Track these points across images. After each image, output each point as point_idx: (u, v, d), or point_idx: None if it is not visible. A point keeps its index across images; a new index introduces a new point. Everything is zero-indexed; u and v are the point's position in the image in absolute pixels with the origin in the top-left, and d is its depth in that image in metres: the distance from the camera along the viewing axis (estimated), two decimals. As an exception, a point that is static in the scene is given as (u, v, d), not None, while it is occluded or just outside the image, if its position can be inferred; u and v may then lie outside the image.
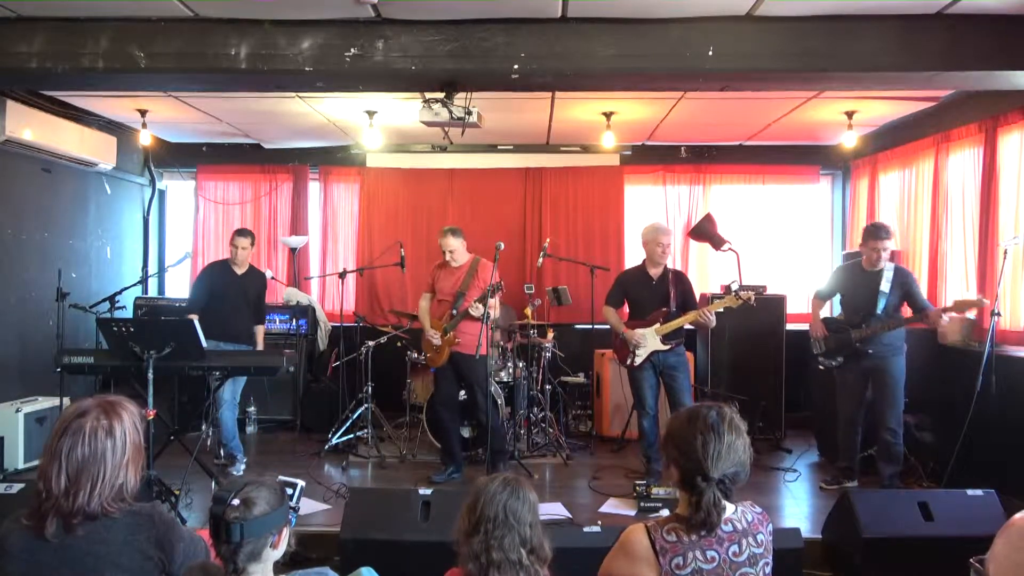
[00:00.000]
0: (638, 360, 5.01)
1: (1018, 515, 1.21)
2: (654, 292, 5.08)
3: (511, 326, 6.26)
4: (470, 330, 5.04)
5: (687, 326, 5.05)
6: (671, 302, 5.02)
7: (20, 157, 5.71)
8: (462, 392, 5.37)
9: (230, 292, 5.39)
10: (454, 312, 5.09)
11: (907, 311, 4.91)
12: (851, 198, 7.27)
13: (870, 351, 4.83)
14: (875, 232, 4.83)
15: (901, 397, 4.82)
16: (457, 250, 5.12)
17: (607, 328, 5.56)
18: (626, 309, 5.33)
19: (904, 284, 4.82)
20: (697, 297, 5.39)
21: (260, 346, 5.61)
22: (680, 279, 5.18)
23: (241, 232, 5.51)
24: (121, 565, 1.91)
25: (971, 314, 4.65)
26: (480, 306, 4.91)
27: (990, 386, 4.53)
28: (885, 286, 4.79)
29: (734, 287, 4.96)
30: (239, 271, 5.47)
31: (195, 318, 4.81)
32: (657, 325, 4.98)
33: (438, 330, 5.13)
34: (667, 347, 4.99)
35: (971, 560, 1.22)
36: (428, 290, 5.33)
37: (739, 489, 2.06)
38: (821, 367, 5.15)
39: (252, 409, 6.63)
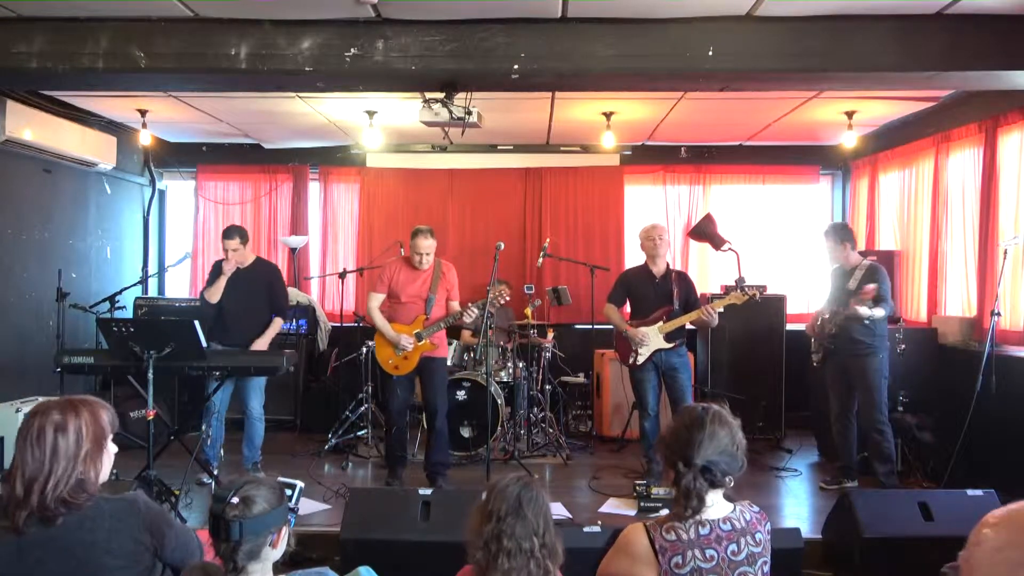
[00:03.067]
0: (641, 359, 5.01)
1: (991, 516, 1.17)
2: (657, 290, 5.07)
3: (510, 326, 6.27)
4: (442, 333, 5.00)
5: (688, 325, 5.05)
6: (674, 300, 5.02)
7: (20, 157, 5.71)
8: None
9: (235, 292, 5.11)
10: (426, 316, 4.90)
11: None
12: (851, 198, 7.28)
13: (833, 347, 4.90)
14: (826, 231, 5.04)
15: (881, 396, 4.80)
16: (432, 252, 4.89)
17: (607, 328, 5.56)
18: (627, 309, 5.33)
19: (871, 280, 4.77)
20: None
21: (263, 340, 5.09)
22: (683, 279, 5.18)
23: (225, 233, 5.10)
24: (112, 551, 1.94)
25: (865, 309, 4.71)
26: (475, 311, 4.85)
27: (990, 386, 4.53)
28: (853, 284, 4.83)
29: (740, 283, 4.98)
30: (242, 267, 5.17)
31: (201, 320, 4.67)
32: (660, 323, 4.98)
33: (408, 334, 4.86)
34: (670, 345, 4.99)
35: (944, 568, 1.18)
36: (383, 291, 4.96)
37: (739, 489, 2.08)
38: (815, 364, 5.21)
39: (252, 409, 6.63)
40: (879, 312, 4.68)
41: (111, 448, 2.10)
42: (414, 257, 4.88)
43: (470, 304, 4.88)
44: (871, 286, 4.62)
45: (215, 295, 5.08)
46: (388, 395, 5.12)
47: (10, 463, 1.97)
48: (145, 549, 1.99)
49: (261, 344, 5.10)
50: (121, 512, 1.99)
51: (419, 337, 4.87)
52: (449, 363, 5.94)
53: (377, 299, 5.00)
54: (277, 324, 5.19)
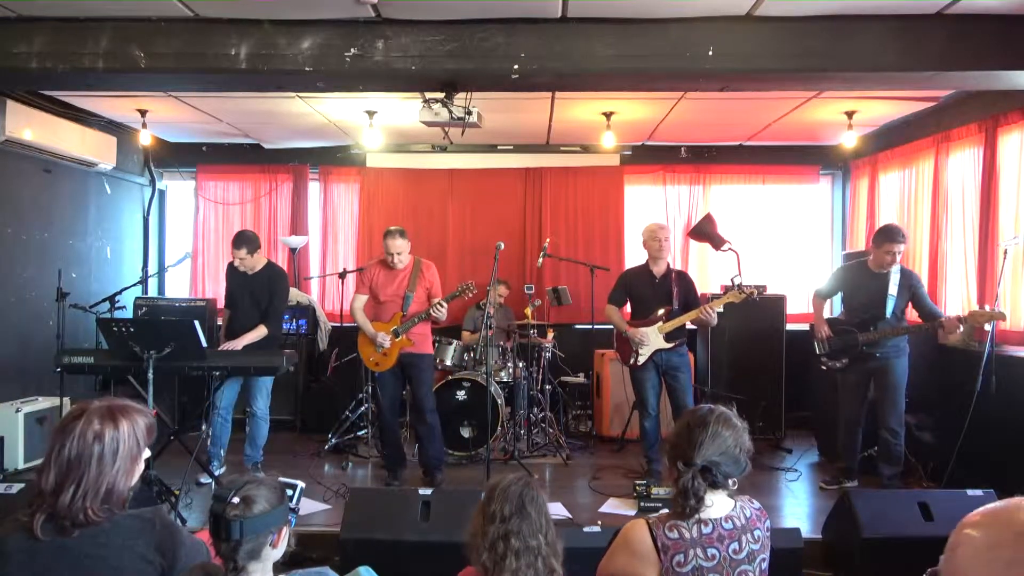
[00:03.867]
0: (641, 359, 5.01)
1: (972, 516, 1.13)
2: (657, 290, 5.08)
3: (510, 326, 6.27)
4: (421, 329, 5.04)
5: (688, 325, 5.05)
6: (674, 300, 5.02)
7: (20, 157, 5.71)
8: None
9: (238, 294, 5.21)
10: (403, 314, 4.97)
11: (910, 312, 4.92)
12: (851, 198, 7.27)
13: (877, 354, 4.83)
14: (891, 235, 4.76)
15: (903, 398, 4.82)
16: (404, 252, 4.97)
17: (607, 328, 5.56)
18: (627, 309, 5.33)
19: (911, 287, 4.82)
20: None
21: (240, 340, 4.98)
22: (683, 278, 5.18)
23: (234, 241, 5.12)
24: (120, 568, 1.91)
25: (988, 326, 4.59)
26: (444, 306, 4.88)
27: (990, 386, 4.52)
28: (893, 288, 4.79)
29: (736, 281, 4.96)
30: (249, 272, 5.21)
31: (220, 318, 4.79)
32: (660, 323, 4.98)
33: (386, 332, 4.95)
34: (670, 345, 4.99)
35: (927, 573, 1.14)
36: (364, 292, 5.10)
37: (739, 489, 2.08)
38: (824, 367, 5.14)
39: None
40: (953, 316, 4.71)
41: (145, 455, 2.07)
42: (387, 257, 4.98)
43: (437, 300, 4.92)
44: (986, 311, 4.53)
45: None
46: (374, 393, 5.19)
47: (43, 460, 1.94)
48: (154, 570, 1.95)
49: (233, 345, 4.96)
50: (136, 529, 1.95)
51: (396, 334, 4.96)
52: (449, 363, 5.97)
53: (360, 300, 5.13)
54: (259, 331, 5.06)
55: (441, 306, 4.88)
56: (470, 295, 5.02)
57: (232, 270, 5.32)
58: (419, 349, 5.04)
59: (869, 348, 4.85)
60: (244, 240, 5.13)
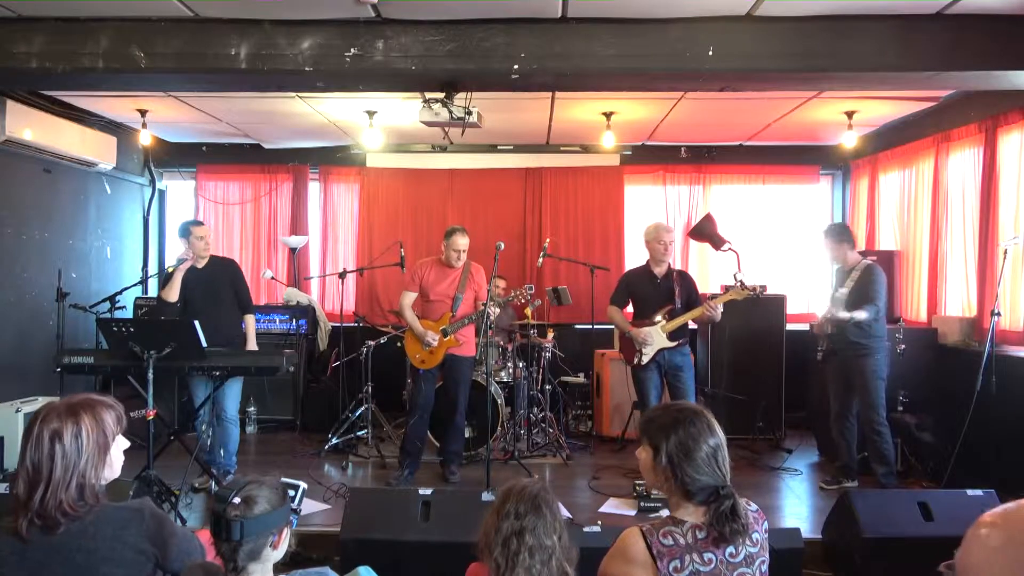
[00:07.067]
0: (645, 359, 5.01)
1: (987, 516, 1.14)
2: (659, 290, 5.08)
3: (511, 326, 6.27)
4: (468, 331, 5.13)
5: (691, 324, 5.05)
6: (676, 299, 5.02)
7: (20, 157, 5.71)
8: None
9: (196, 292, 4.95)
10: (453, 314, 5.06)
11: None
12: (851, 198, 7.28)
13: (834, 347, 4.93)
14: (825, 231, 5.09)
15: (878, 397, 4.80)
16: (466, 251, 5.07)
17: (607, 328, 5.57)
18: (629, 309, 5.33)
19: (862, 281, 4.82)
20: (699, 297, 5.40)
21: (251, 341, 5.06)
22: (684, 278, 5.18)
23: (197, 223, 5.15)
24: (113, 560, 1.92)
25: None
26: (496, 309, 4.98)
27: (990, 386, 4.53)
28: (849, 283, 4.87)
29: (739, 277, 4.97)
30: (199, 266, 5.02)
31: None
32: (663, 323, 4.98)
33: (435, 331, 5.07)
34: (673, 344, 4.99)
35: (941, 568, 1.15)
36: (414, 289, 5.16)
37: (739, 489, 2.07)
38: (818, 359, 5.21)
39: (252, 409, 6.64)
40: (861, 315, 4.68)
41: (120, 445, 2.07)
42: (451, 255, 5.04)
43: (482, 303, 4.97)
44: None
45: (173, 293, 4.93)
46: (414, 388, 5.29)
47: (18, 464, 1.97)
48: (147, 560, 1.97)
49: (252, 346, 5.07)
50: (125, 521, 1.96)
51: (444, 333, 5.04)
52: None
53: (409, 297, 5.18)
54: (253, 321, 5.15)
55: (494, 309, 4.95)
56: (523, 301, 5.10)
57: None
58: (464, 351, 5.13)
59: (832, 342, 4.94)
60: (198, 222, 5.24)
